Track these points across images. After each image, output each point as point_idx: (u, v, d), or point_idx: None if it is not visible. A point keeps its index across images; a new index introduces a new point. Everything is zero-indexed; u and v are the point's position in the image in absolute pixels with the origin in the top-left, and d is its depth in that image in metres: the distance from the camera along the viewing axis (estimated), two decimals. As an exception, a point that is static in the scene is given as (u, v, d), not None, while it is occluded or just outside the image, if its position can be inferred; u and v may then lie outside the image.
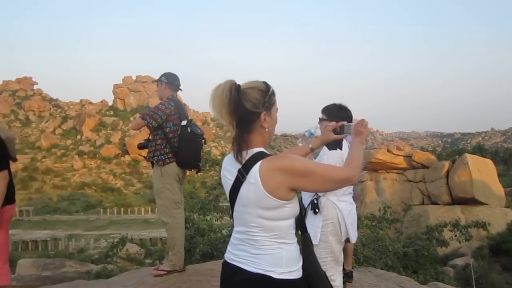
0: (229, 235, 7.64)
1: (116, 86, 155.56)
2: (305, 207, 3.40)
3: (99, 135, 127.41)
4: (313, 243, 3.19)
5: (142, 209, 78.26)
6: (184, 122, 4.42)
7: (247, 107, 1.79)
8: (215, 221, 8.58)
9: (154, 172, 4.43)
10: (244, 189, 1.79)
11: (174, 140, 4.37)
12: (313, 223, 3.34)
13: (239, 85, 1.82)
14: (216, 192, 9.03)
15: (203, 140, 4.53)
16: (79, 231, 60.63)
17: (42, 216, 72.15)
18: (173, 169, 4.37)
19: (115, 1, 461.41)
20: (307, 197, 3.44)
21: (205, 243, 7.06)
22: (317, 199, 3.35)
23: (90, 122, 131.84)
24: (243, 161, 1.80)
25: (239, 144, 1.83)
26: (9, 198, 4.08)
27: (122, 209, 77.88)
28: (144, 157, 4.57)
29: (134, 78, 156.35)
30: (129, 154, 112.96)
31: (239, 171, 1.80)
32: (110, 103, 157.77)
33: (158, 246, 39.02)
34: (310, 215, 3.37)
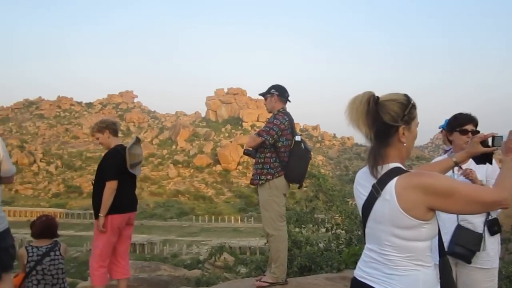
0: (327, 249, 7.51)
1: (208, 98, 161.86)
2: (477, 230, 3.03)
3: (193, 145, 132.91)
4: (493, 266, 2.99)
5: (232, 217, 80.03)
6: (298, 138, 4.39)
7: (385, 120, 1.70)
8: (312, 233, 8.46)
9: (260, 185, 4.41)
10: (378, 205, 1.69)
11: (285, 155, 4.35)
12: (490, 245, 3.02)
13: (378, 97, 1.74)
14: (312, 204, 8.91)
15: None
16: (173, 237, 63.32)
17: (139, 221, 76.33)
18: (282, 182, 4.35)
19: (208, 14, 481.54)
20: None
21: (303, 255, 6.95)
22: (492, 219, 3.00)
23: (184, 132, 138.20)
24: (378, 176, 1.71)
25: (375, 158, 1.73)
26: (118, 207, 4.30)
27: (213, 217, 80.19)
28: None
29: (225, 90, 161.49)
30: (220, 164, 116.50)
31: (373, 186, 1.71)
32: (203, 115, 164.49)
33: (248, 254, 39.60)
34: (487, 238, 2.99)
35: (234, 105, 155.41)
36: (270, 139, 4.25)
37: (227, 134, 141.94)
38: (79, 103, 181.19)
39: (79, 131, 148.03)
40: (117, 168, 4.34)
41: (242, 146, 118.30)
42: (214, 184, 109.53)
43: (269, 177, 4.30)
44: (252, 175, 4.49)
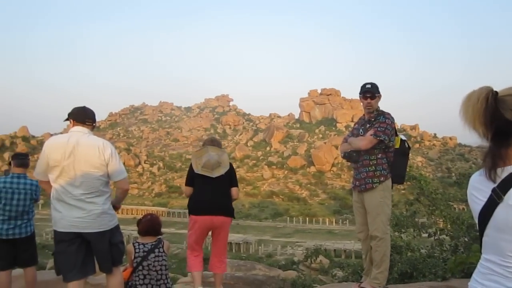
0: (429, 256, 7.10)
1: (302, 100, 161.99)
2: None
3: (286, 146, 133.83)
4: None
5: (327, 219, 79.23)
6: (403, 137, 4.31)
7: (507, 117, 1.54)
8: (412, 238, 8.06)
9: (373, 188, 4.26)
10: (500, 212, 1.52)
11: (391, 155, 4.27)
12: None
13: (496, 92, 1.57)
14: (413, 208, 8.48)
15: None
16: (267, 237, 64.20)
17: (235, 221, 78.35)
18: (390, 183, 4.26)
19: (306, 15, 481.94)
20: None
21: (403, 261, 6.62)
22: None
23: (278, 134, 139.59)
24: (498, 180, 1.54)
25: (493, 160, 1.56)
26: (192, 209, 4.74)
27: (307, 218, 79.98)
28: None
29: (319, 91, 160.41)
30: (314, 165, 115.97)
31: (493, 190, 1.54)
32: (297, 116, 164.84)
33: (343, 257, 38.88)
34: None
35: (328, 105, 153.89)
36: (387, 139, 4.14)
37: (321, 135, 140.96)
38: (179, 108, 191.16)
39: (179, 134, 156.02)
40: (190, 175, 4.83)
41: (337, 147, 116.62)
42: (308, 185, 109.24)
43: (382, 178, 4.20)
44: (360, 179, 4.31)
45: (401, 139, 4.27)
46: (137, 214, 71.46)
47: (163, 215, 77.34)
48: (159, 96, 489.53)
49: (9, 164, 5.30)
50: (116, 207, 3.89)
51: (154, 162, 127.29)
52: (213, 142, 5.02)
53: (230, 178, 4.86)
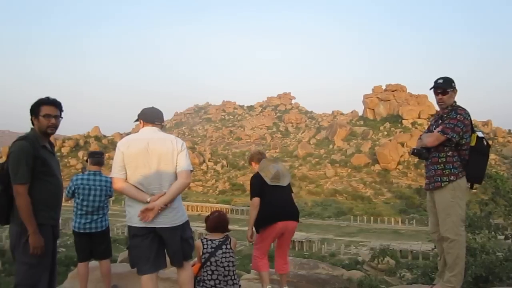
0: (507, 259, 6.71)
1: (366, 96, 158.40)
2: None
3: (350, 144, 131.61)
4: None
5: (392, 219, 77.03)
6: (480, 134, 4.08)
7: None
8: (487, 240, 7.64)
9: (442, 187, 4.10)
10: None
11: (466, 152, 4.06)
12: None
13: None
14: (488, 208, 8.04)
15: None
16: (330, 236, 63.39)
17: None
18: (464, 183, 4.06)
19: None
20: None
21: (478, 264, 6.31)
22: None
23: (341, 132, 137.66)
24: None
25: None
26: (276, 217, 4.95)
27: (371, 217, 78.17)
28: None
29: (383, 87, 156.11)
30: (379, 163, 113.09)
31: None
32: (360, 113, 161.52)
33: (409, 258, 37.63)
34: None
35: (393, 102, 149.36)
36: (456, 136, 3.97)
37: (385, 133, 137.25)
38: (241, 107, 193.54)
39: (241, 132, 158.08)
40: (258, 186, 5.04)
41: (403, 145, 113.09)
42: (373, 184, 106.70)
43: (452, 177, 4.02)
44: (429, 177, 4.20)
45: (477, 136, 4.04)
46: (201, 211, 73.20)
47: (227, 212, 78.35)
48: (222, 96, 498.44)
49: (86, 161, 5.61)
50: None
51: (218, 160, 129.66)
52: (264, 155, 5.44)
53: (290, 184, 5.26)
